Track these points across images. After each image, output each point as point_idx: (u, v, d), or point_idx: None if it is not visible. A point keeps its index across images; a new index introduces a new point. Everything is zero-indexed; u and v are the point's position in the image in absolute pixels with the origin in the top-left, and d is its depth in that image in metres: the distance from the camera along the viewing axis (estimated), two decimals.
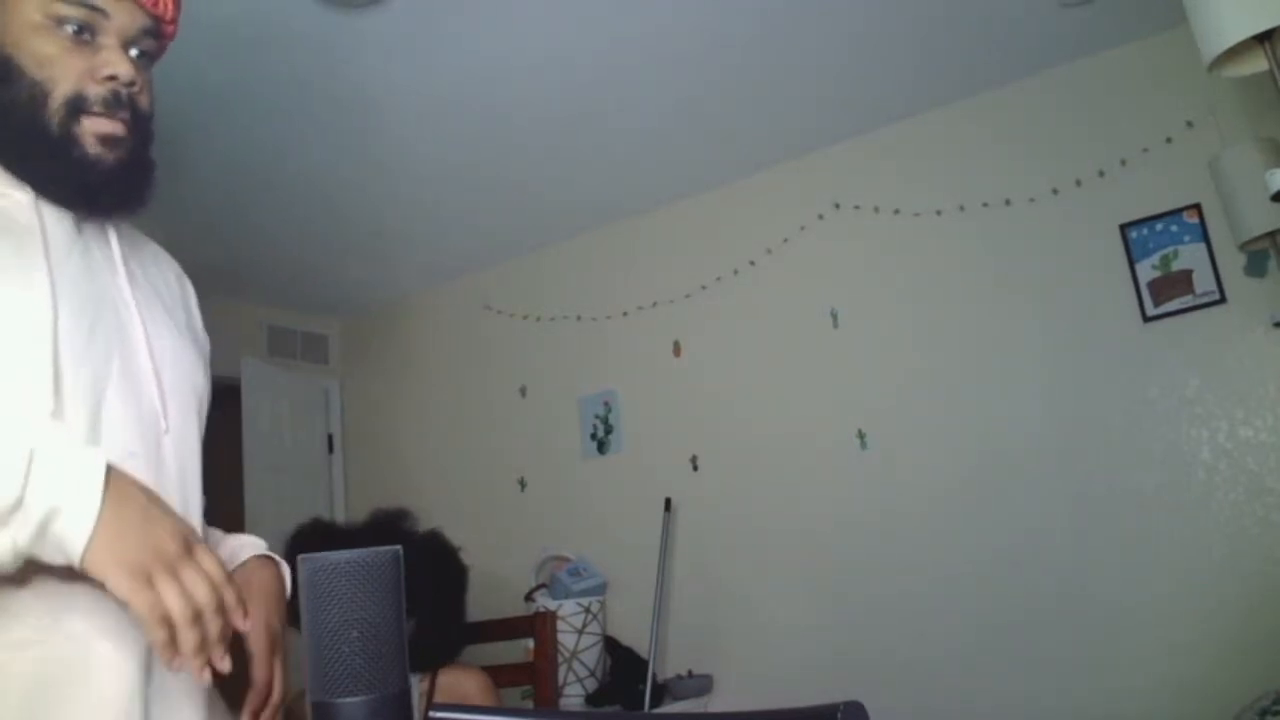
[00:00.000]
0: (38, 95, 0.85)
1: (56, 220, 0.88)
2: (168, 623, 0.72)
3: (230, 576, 0.79)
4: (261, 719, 0.93)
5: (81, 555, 0.70)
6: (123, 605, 0.72)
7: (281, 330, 4.38)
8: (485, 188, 3.34)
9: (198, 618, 0.73)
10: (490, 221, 3.66)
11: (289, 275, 4.02)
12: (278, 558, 1.06)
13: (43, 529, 0.69)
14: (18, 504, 0.68)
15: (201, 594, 0.74)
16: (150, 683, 0.83)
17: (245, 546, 1.05)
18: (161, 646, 0.72)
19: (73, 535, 0.70)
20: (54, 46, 0.86)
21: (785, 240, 3.34)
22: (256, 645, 0.93)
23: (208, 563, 0.77)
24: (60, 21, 0.86)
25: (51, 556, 0.71)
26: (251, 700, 0.92)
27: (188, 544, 0.76)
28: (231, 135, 2.75)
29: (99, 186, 0.88)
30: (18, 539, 0.69)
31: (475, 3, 2.27)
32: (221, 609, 0.76)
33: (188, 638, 0.72)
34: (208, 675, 0.75)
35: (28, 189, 0.86)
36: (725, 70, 2.71)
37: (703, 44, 2.56)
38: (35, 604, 0.78)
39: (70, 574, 0.73)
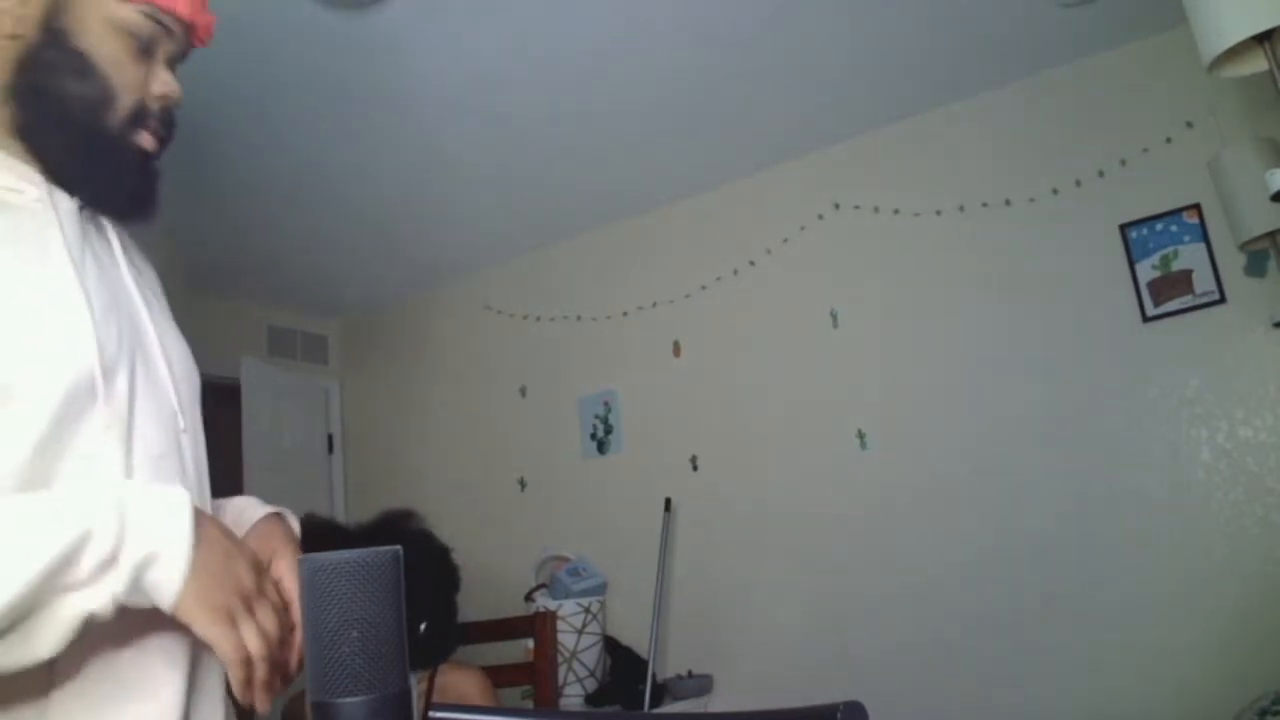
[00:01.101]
0: (106, 97, 0.84)
1: (69, 216, 0.85)
2: (248, 663, 0.74)
3: (289, 602, 0.82)
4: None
5: (174, 603, 0.71)
6: (206, 644, 0.74)
7: (281, 330, 4.38)
8: (485, 187, 3.34)
9: (268, 654, 0.76)
10: (490, 221, 3.66)
11: (289, 275, 4.02)
12: (286, 512, 1.04)
13: (137, 578, 0.69)
14: (113, 557, 0.68)
15: (272, 627, 0.77)
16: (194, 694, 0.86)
17: (249, 507, 1.03)
18: (240, 685, 0.74)
19: (166, 584, 0.71)
20: (125, 53, 0.85)
21: (785, 240, 3.34)
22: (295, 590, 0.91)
23: (273, 591, 0.80)
24: (132, 31, 0.85)
25: (137, 602, 0.71)
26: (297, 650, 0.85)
27: (259, 576, 0.79)
28: (231, 135, 2.75)
29: (142, 195, 0.89)
30: (116, 591, 0.68)
31: (475, 3, 2.27)
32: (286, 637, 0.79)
33: (262, 672, 0.75)
34: (267, 703, 0.77)
35: (39, 181, 0.83)
36: (725, 70, 2.71)
37: (703, 44, 2.56)
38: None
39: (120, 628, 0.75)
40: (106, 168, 0.86)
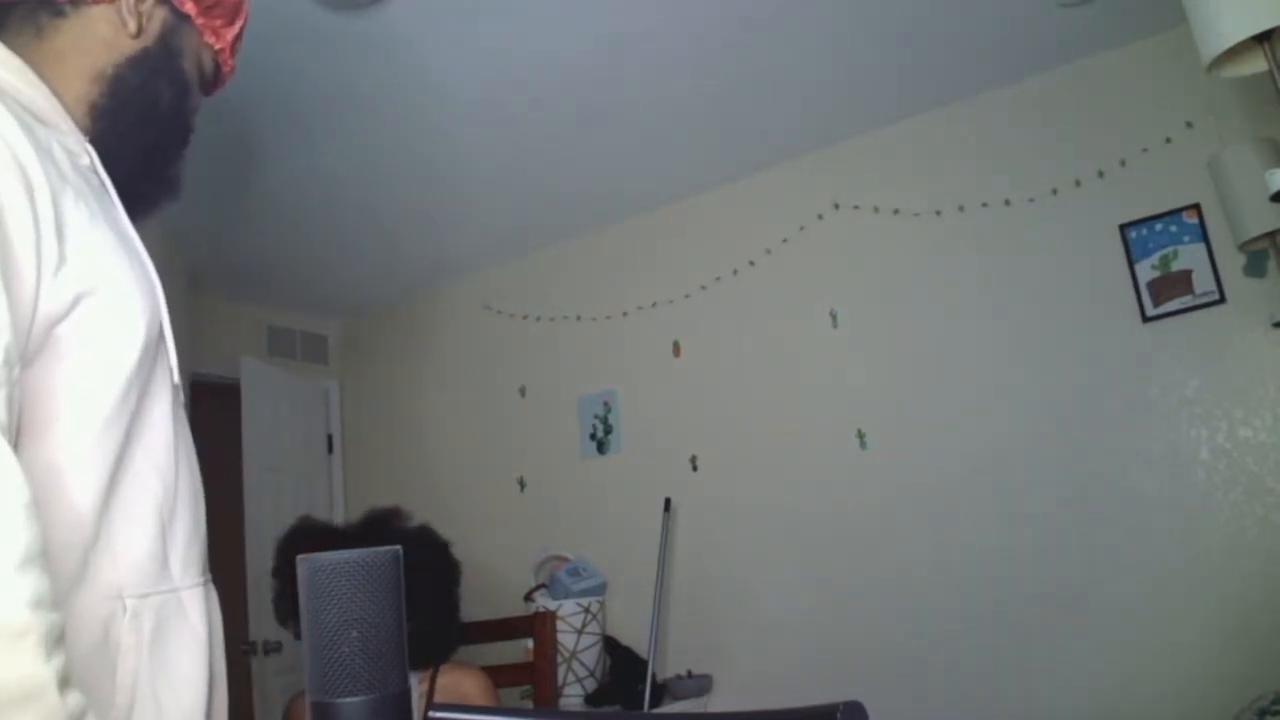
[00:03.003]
0: (185, 111, 1.01)
1: (110, 185, 0.94)
2: None
3: None
4: None
5: None
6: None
7: (281, 330, 4.38)
8: (485, 187, 3.35)
9: None
10: (490, 221, 3.66)
11: (289, 275, 4.02)
12: None
13: None
14: None
15: None
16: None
17: None
18: None
19: None
20: (196, 81, 1.04)
21: (785, 240, 3.34)
22: None
23: None
24: (205, 68, 1.04)
25: None
26: None
27: None
28: (230, 135, 2.75)
29: (171, 191, 1.03)
30: None
31: (473, 5, 2.27)
32: None
33: None
34: None
35: (92, 151, 0.91)
36: (725, 70, 2.71)
37: (703, 44, 2.56)
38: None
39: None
40: (164, 165, 1.00)
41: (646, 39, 2.51)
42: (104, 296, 0.80)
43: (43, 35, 0.89)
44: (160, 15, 0.97)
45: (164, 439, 0.87)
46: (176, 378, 0.91)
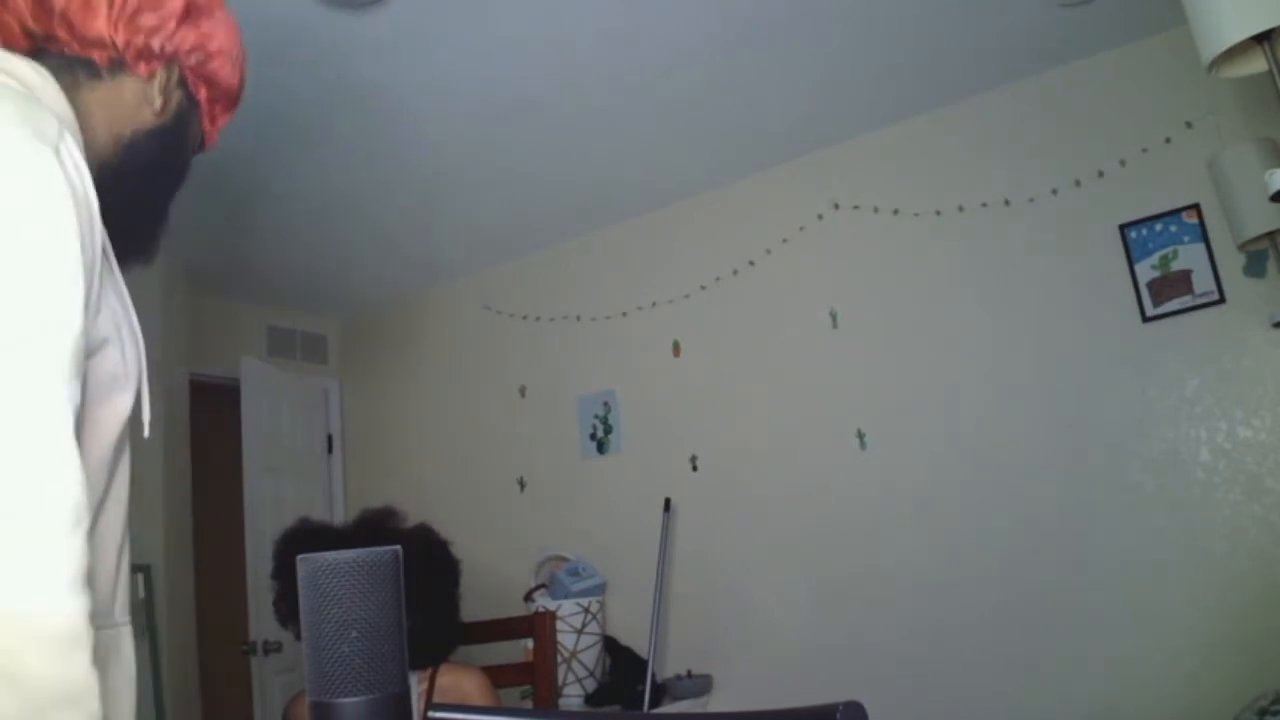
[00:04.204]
0: (180, 182, 1.04)
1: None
2: None
3: None
4: None
5: None
6: None
7: (281, 330, 4.38)
8: (484, 188, 3.35)
9: None
10: (490, 221, 3.66)
11: (289, 275, 4.02)
12: None
13: None
14: None
15: None
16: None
17: None
18: None
19: None
20: (193, 151, 1.07)
21: (785, 240, 3.34)
22: None
23: None
24: (204, 144, 1.09)
25: None
26: None
27: None
28: (230, 136, 2.74)
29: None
30: None
31: (473, 4, 2.27)
32: None
33: None
34: None
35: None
36: (725, 70, 2.71)
37: (703, 43, 2.56)
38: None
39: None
40: (149, 232, 1.02)
41: (646, 39, 2.51)
42: (115, 347, 0.84)
43: (78, 90, 0.92)
44: (178, 96, 1.01)
45: (127, 483, 0.90)
46: (148, 432, 0.93)
